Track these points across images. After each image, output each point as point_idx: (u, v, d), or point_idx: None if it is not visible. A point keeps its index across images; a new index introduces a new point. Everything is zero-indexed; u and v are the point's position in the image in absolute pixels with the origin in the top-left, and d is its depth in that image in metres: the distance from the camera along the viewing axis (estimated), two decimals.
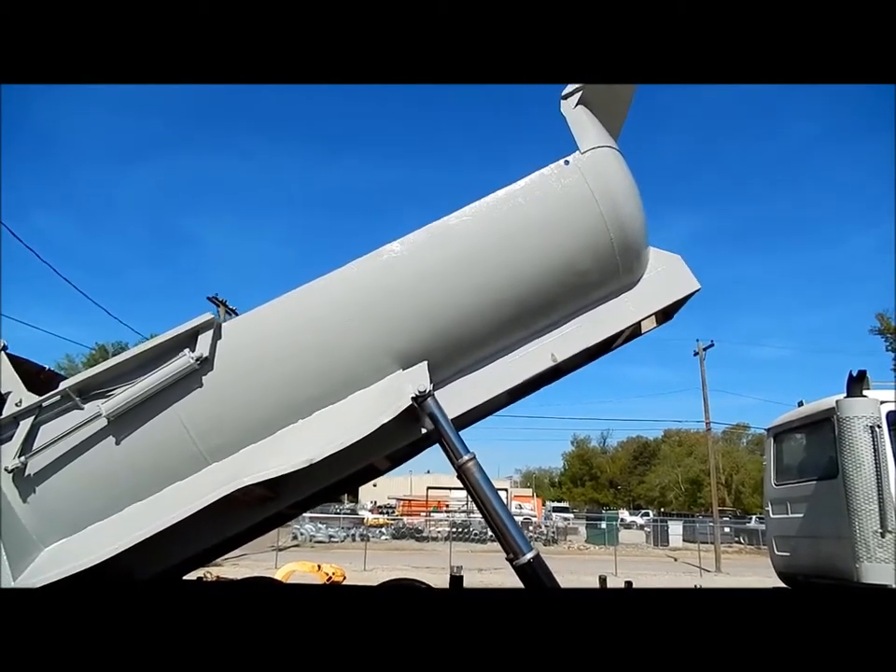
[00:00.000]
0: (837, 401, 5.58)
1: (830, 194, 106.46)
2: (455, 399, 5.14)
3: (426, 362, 4.99)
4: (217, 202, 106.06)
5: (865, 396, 5.54)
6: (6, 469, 4.73)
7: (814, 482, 6.22)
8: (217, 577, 8.44)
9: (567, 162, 4.99)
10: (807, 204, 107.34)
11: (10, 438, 4.76)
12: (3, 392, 4.80)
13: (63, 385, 4.79)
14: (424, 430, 5.08)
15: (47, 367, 5.80)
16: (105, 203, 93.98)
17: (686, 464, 70.73)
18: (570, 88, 5.04)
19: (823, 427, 6.16)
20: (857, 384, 5.56)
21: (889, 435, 5.42)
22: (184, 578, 5.85)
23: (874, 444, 5.25)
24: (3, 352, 4.92)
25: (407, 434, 5.09)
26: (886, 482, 5.18)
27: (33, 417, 4.79)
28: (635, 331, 5.68)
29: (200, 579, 6.32)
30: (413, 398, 4.80)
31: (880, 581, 5.11)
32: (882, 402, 5.51)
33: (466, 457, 4.91)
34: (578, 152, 5.00)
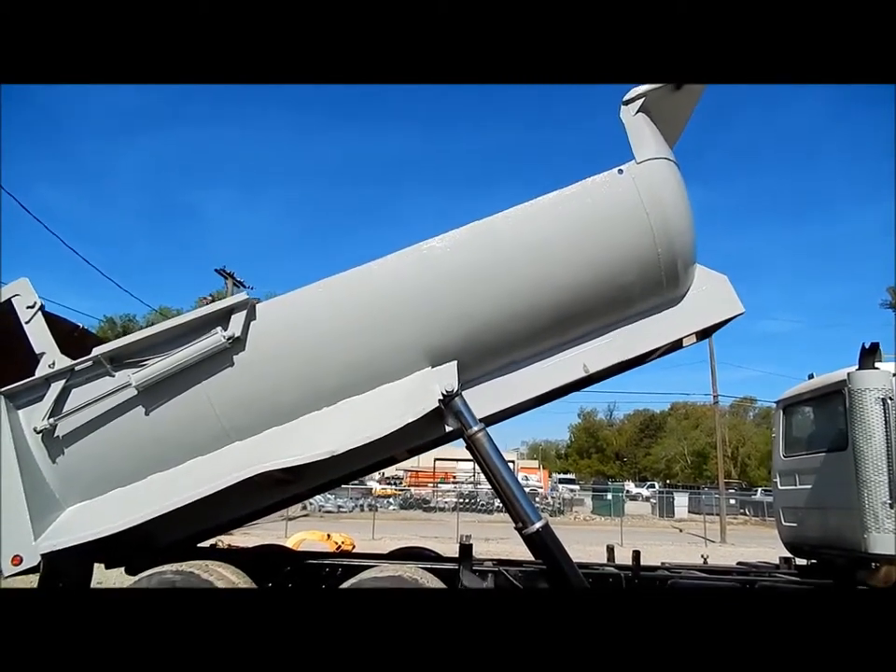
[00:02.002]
0: (849, 374, 5.55)
1: (840, 168, 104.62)
2: (484, 401, 5.10)
3: (455, 362, 4.95)
4: (219, 173, 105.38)
5: (877, 368, 5.50)
6: (34, 430, 4.81)
7: (823, 454, 6.22)
8: (229, 545, 8.58)
9: (620, 171, 4.85)
10: (817, 179, 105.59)
11: (41, 398, 4.83)
12: (37, 353, 4.85)
13: (95, 352, 4.83)
14: (448, 429, 5.06)
15: (81, 325, 5.83)
16: (108, 176, 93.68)
17: (692, 437, 70.88)
18: (632, 93, 4.87)
19: (834, 400, 6.14)
20: (869, 356, 5.52)
21: None
22: (198, 546, 5.95)
23: (885, 416, 5.22)
24: (40, 312, 4.93)
25: (431, 431, 5.07)
26: None
27: (64, 380, 4.84)
28: (675, 344, 5.58)
29: (213, 546, 6.42)
30: (439, 399, 4.78)
31: (887, 551, 5.13)
32: (894, 375, 5.48)
33: (475, 428, 4.92)
34: (633, 161, 4.86)
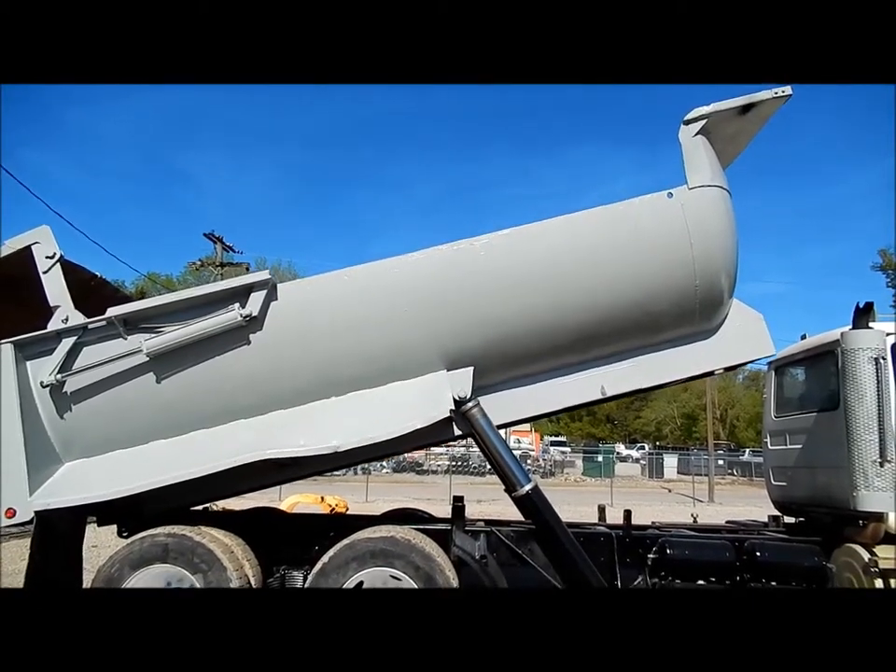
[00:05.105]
0: (842, 333, 5.53)
1: (830, 130, 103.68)
2: (496, 411, 5.05)
3: (472, 368, 4.86)
4: (207, 136, 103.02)
5: (871, 328, 5.49)
6: (41, 384, 4.75)
7: (814, 413, 6.25)
8: (223, 508, 8.59)
9: (670, 195, 4.69)
10: (808, 141, 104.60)
11: (51, 352, 4.77)
12: (52, 305, 4.76)
13: (110, 313, 4.75)
14: (458, 432, 5.03)
15: (98, 274, 5.72)
16: (94, 139, 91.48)
17: (682, 399, 71.62)
18: (695, 113, 4.69)
19: (826, 360, 6.14)
20: (863, 315, 5.50)
21: (894, 366, 5.42)
22: (191, 509, 5.95)
23: (877, 376, 5.22)
24: (58, 263, 4.81)
25: (438, 434, 5.03)
26: (887, 412, 5.20)
27: (76, 337, 4.77)
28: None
29: (206, 509, 6.42)
30: (451, 410, 4.73)
31: (876, 508, 5.20)
32: (888, 334, 5.47)
33: (470, 404, 4.91)
34: (685, 186, 4.69)
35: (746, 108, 4.72)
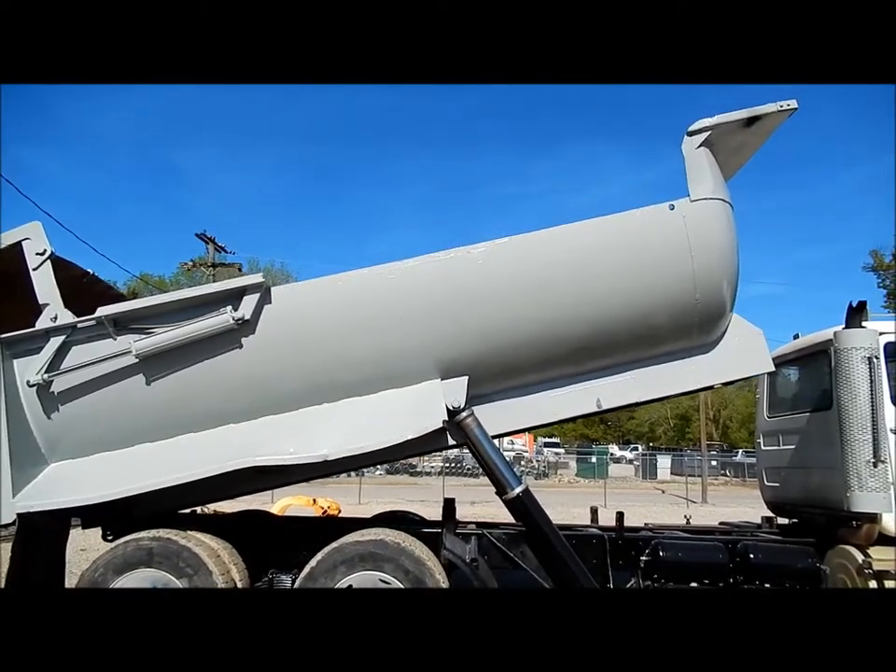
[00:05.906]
0: (836, 333, 5.51)
1: (823, 130, 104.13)
2: (494, 420, 5.00)
3: (466, 377, 4.80)
4: (201, 133, 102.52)
5: (864, 327, 5.47)
6: (27, 383, 4.67)
7: (807, 413, 6.22)
8: (215, 511, 8.49)
9: (672, 207, 4.65)
10: (800, 140, 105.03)
11: (39, 350, 4.69)
12: (40, 303, 4.68)
13: (99, 312, 4.67)
14: (452, 442, 4.97)
15: (90, 271, 5.63)
16: (87, 136, 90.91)
17: (675, 400, 71.61)
18: (698, 125, 4.66)
19: (819, 360, 6.12)
20: (856, 315, 5.48)
21: (887, 366, 5.40)
22: (179, 512, 5.86)
23: (870, 375, 5.20)
24: (48, 260, 4.73)
25: (431, 442, 4.95)
26: (880, 412, 5.18)
27: (64, 336, 4.69)
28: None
29: (193, 512, 6.33)
30: (444, 420, 4.67)
31: (870, 509, 5.17)
32: (881, 333, 5.45)
33: (464, 414, 4.85)
34: (687, 198, 4.65)
35: (750, 121, 4.69)
